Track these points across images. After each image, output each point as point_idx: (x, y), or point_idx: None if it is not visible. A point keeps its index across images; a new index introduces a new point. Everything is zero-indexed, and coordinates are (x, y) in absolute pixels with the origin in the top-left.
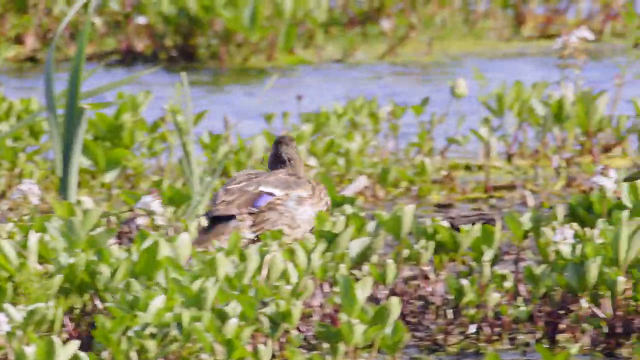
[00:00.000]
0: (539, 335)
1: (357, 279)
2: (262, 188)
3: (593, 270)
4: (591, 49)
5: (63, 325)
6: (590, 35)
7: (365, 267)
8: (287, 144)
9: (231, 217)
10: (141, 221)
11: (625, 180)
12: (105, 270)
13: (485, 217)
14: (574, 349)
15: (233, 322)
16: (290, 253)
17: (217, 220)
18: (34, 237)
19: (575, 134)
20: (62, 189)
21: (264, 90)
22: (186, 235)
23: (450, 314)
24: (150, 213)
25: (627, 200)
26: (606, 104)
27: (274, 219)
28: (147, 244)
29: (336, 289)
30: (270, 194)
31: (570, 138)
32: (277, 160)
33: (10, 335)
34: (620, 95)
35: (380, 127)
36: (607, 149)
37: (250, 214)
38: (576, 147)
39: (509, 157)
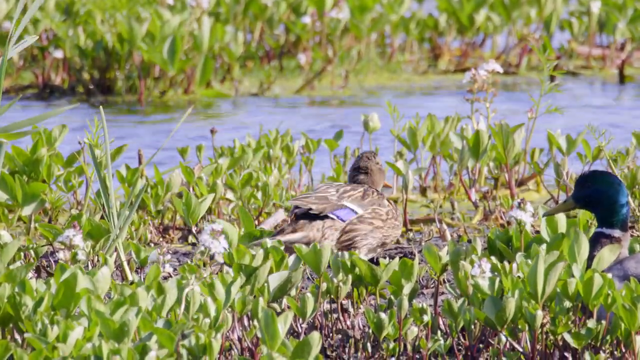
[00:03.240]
0: None
1: (277, 313)
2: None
3: (511, 304)
4: (507, 82)
5: None
6: (499, 68)
7: (284, 301)
8: (369, 158)
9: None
10: (62, 255)
11: (545, 215)
12: (29, 302)
13: (404, 251)
14: None
15: (152, 355)
16: (209, 286)
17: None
18: None
19: (489, 167)
20: None
21: (179, 124)
22: (106, 269)
23: (369, 347)
24: (71, 247)
25: (545, 234)
26: (522, 137)
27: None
28: (65, 276)
29: (255, 322)
30: (353, 211)
31: (484, 171)
32: (355, 171)
33: None
34: (533, 129)
35: (294, 160)
36: (521, 183)
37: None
38: (489, 180)
39: (424, 191)
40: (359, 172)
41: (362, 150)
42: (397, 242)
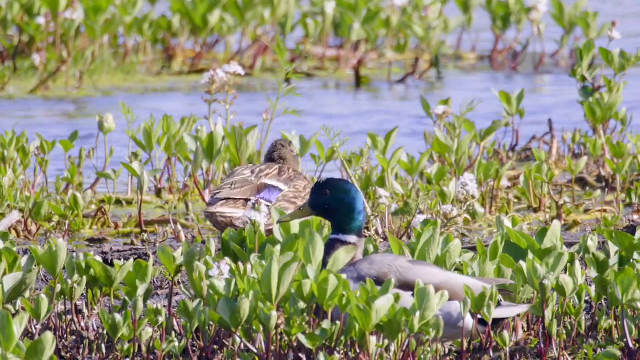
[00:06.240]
0: None
1: (12, 314)
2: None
3: (246, 305)
4: (242, 84)
5: None
6: (240, 70)
7: (19, 302)
8: (284, 146)
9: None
10: None
11: (279, 222)
12: None
13: (138, 252)
14: None
15: None
16: None
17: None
18: None
19: (224, 168)
20: None
21: None
22: None
23: (104, 348)
24: None
25: (279, 235)
26: (257, 139)
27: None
28: None
29: None
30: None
31: (220, 172)
32: (269, 161)
33: None
34: (269, 130)
35: (29, 161)
36: None
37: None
38: None
39: (159, 192)
40: (273, 161)
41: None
42: (132, 243)
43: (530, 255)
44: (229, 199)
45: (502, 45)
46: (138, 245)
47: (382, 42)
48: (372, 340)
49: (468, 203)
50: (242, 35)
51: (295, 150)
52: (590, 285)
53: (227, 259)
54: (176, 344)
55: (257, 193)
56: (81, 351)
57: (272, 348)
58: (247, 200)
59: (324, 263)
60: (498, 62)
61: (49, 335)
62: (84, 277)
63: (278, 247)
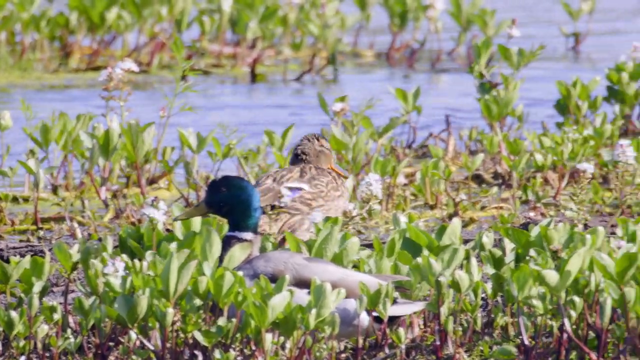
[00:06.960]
0: None
1: None
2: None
3: (143, 302)
4: (139, 81)
5: None
6: (135, 67)
7: None
8: (309, 140)
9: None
10: None
11: (176, 220)
12: None
13: (35, 249)
14: None
15: None
16: None
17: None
18: None
19: (120, 165)
20: None
21: None
22: None
23: (0, 345)
24: None
25: (179, 233)
26: (153, 136)
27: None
28: None
29: None
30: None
31: (116, 170)
32: (295, 155)
33: None
34: (166, 128)
35: None
36: (152, 181)
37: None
38: (121, 179)
39: (55, 189)
40: (297, 157)
41: None
42: (28, 240)
43: (426, 252)
44: None
45: (400, 42)
46: (34, 242)
47: (280, 39)
48: (268, 337)
49: (371, 203)
50: (140, 33)
51: (326, 144)
52: (486, 282)
53: (123, 255)
54: (72, 340)
55: (279, 199)
56: None
57: (168, 345)
58: (272, 207)
59: (220, 260)
60: (395, 59)
61: None
62: None
63: (174, 244)
